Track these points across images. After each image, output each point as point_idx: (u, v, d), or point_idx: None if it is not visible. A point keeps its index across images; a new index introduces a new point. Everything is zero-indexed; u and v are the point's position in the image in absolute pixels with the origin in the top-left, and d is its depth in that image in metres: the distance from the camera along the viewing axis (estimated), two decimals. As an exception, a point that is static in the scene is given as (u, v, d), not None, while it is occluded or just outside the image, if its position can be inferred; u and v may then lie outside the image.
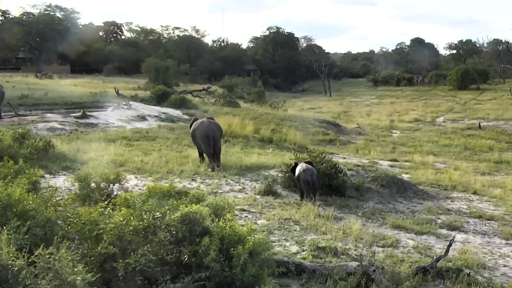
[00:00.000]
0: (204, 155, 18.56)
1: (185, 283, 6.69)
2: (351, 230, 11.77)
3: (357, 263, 8.94)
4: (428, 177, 19.45)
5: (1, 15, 64.96)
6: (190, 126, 19.46)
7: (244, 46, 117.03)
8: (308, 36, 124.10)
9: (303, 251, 10.17)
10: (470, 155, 29.28)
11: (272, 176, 16.35)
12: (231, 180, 16.07)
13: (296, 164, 15.09)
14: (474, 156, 28.86)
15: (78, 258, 6.13)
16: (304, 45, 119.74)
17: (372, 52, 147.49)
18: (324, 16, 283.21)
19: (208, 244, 7.20)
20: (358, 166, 18.40)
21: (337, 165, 16.17)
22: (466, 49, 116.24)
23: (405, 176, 19.07)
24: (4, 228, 6.23)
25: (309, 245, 10.36)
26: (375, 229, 12.52)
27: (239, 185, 15.58)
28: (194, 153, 19.48)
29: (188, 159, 18.54)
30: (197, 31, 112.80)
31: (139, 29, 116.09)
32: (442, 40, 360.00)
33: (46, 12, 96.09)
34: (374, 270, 8.67)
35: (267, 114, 38.08)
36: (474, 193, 17.81)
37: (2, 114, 26.31)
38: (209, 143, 17.96)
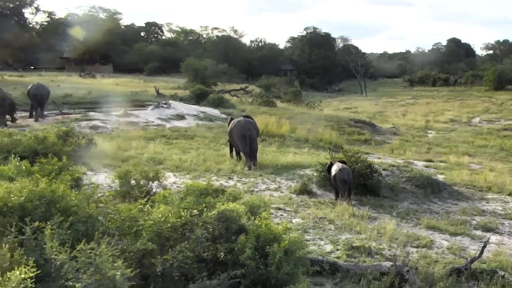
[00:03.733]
0: (241, 153, 18.58)
1: (221, 280, 6.72)
2: (386, 230, 11.67)
3: (391, 263, 8.86)
4: (463, 178, 19.14)
5: (48, 16, 65.94)
6: (228, 125, 19.53)
7: (281, 46, 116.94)
8: (344, 36, 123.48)
9: (337, 250, 10.12)
10: (506, 156, 28.75)
11: (307, 175, 16.30)
12: (267, 178, 16.06)
13: (331, 164, 15.02)
14: (510, 157, 28.32)
15: (118, 253, 6.21)
16: (341, 45, 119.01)
17: (408, 52, 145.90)
18: (360, 17, 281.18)
19: (244, 242, 7.22)
20: (393, 166, 18.22)
21: (372, 165, 16.05)
22: (503, 49, 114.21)
23: (440, 177, 18.80)
24: (48, 223, 6.34)
25: (344, 245, 10.31)
26: (409, 229, 12.39)
27: (275, 183, 15.57)
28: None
29: (225, 158, 18.61)
30: (235, 31, 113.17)
31: (179, 29, 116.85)
32: (479, 40, 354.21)
33: (90, 13, 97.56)
34: (408, 271, 8.59)
35: (303, 113, 37.94)
36: (510, 194, 17.44)
37: (47, 112, 26.76)
38: (246, 142, 17.99)
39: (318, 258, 8.99)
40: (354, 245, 10.28)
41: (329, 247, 10.29)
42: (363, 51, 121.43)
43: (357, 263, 9.31)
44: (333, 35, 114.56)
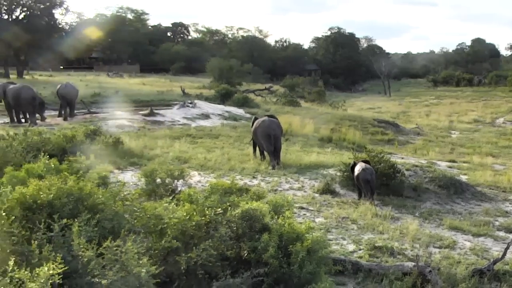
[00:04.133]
0: (265, 153, 18.57)
1: (244, 278, 6.74)
2: (408, 230, 11.57)
3: (413, 263, 8.80)
4: (486, 179, 18.88)
5: (77, 17, 66.67)
6: (252, 125, 19.54)
7: (305, 46, 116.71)
8: (368, 37, 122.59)
9: (360, 250, 10.07)
10: (530, 157, 28.31)
11: (330, 175, 16.23)
12: (291, 178, 16.03)
13: (355, 164, 14.96)
14: (535, 158, 27.90)
15: (143, 251, 6.26)
16: (365, 45, 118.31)
17: (432, 52, 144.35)
18: (385, 17, 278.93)
19: (267, 240, 7.24)
20: (416, 166, 18.05)
21: (395, 165, 15.92)
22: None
23: (463, 177, 18.58)
24: (76, 220, 6.40)
25: (366, 244, 10.25)
26: (432, 229, 12.27)
27: (299, 183, 15.53)
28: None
29: (250, 157, 18.59)
30: (260, 31, 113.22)
31: (205, 29, 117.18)
32: (503, 41, 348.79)
33: (118, 13, 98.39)
34: (430, 271, 8.52)
35: (327, 113, 37.80)
36: (534, 195, 17.21)
37: (75, 111, 27.01)
38: (271, 141, 17.93)
39: (340, 258, 8.96)
40: (376, 245, 10.21)
41: (351, 247, 10.25)
42: (387, 51, 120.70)
43: (380, 263, 9.25)
44: (357, 35, 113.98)
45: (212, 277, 6.82)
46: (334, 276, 7.97)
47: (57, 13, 60.65)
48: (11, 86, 24.50)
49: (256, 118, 19.83)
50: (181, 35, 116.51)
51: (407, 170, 16.87)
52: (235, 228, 7.52)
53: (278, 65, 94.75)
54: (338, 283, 8.23)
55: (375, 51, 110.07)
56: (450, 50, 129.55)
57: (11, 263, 5.32)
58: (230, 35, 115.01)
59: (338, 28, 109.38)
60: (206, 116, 30.35)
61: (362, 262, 9.08)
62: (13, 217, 6.40)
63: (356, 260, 9.12)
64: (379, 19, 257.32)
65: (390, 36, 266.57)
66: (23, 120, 23.89)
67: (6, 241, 6.06)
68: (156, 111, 28.93)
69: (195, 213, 7.37)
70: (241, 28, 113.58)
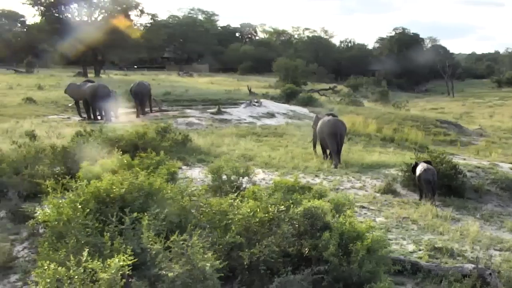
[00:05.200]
0: (327, 151, 18.47)
1: (305, 275, 6.73)
2: (469, 232, 11.27)
3: (473, 265, 8.57)
4: (550, 181, 18.21)
5: (151, 18, 67.95)
6: (315, 123, 19.46)
7: (370, 47, 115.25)
8: (433, 37, 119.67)
9: (420, 250, 9.87)
10: None
11: (392, 175, 16.00)
12: (353, 177, 15.86)
13: (416, 164, 14.70)
14: None
15: (208, 245, 6.34)
16: (429, 45, 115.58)
17: (497, 53, 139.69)
18: (450, 17, 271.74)
19: (328, 238, 7.21)
20: (478, 167, 17.59)
21: (457, 166, 15.58)
22: None
23: (527, 180, 17.98)
24: (145, 214, 6.54)
25: (426, 245, 10.03)
26: (493, 232, 11.93)
27: (360, 182, 15.35)
28: (318, 149, 19.37)
29: (313, 156, 18.51)
30: (325, 31, 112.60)
31: (272, 30, 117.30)
32: None
33: (190, 15, 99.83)
34: (490, 274, 8.28)
35: (389, 113, 37.21)
36: None
37: (146, 109, 27.50)
38: (337, 141, 17.80)
39: (400, 258, 8.81)
40: (436, 246, 9.98)
41: (411, 247, 10.06)
42: (451, 51, 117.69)
43: (439, 264, 9.03)
44: (421, 36, 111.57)
45: (274, 273, 6.84)
46: (393, 276, 7.84)
47: (133, 14, 62.05)
48: (89, 84, 25.17)
49: (317, 117, 19.69)
50: (249, 36, 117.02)
51: (469, 171, 16.48)
52: (297, 225, 7.52)
53: (343, 65, 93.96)
54: (397, 283, 8.09)
55: (439, 51, 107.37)
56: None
57: (85, 253, 5.49)
58: (296, 36, 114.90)
59: (403, 28, 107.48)
60: (271, 115, 30.35)
61: (421, 263, 8.89)
62: (88, 210, 6.60)
63: (415, 261, 8.94)
64: (444, 20, 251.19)
65: (455, 36, 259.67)
66: (99, 117, 24.49)
67: (81, 233, 6.26)
68: (223, 110, 29.14)
69: (258, 209, 7.41)
70: (307, 29, 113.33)
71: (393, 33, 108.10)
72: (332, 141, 17.77)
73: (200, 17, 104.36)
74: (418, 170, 14.21)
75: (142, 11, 62.46)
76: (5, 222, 9.19)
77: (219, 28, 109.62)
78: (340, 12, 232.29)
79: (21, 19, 77.35)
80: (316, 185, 12.72)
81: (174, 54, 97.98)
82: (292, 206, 7.59)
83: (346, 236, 7.35)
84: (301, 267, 7.02)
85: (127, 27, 58.97)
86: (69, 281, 5.26)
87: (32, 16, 65.86)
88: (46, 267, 5.37)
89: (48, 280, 5.26)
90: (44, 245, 6.34)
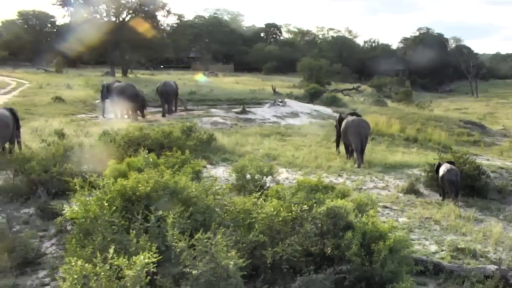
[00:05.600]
0: (350, 150, 18.46)
1: (327, 274, 6.71)
2: (492, 233, 11.13)
3: (495, 266, 8.48)
4: None
5: (177, 19, 68.24)
6: (338, 123, 19.43)
7: (394, 47, 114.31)
8: (457, 37, 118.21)
9: (442, 251, 9.78)
10: None
11: (415, 175, 15.88)
12: (376, 177, 15.77)
13: (440, 164, 14.57)
14: None
15: (232, 244, 6.36)
16: (453, 45, 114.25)
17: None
18: (474, 17, 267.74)
19: (351, 238, 7.18)
20: (502, 168, 17.38)
21: (480, 166, 15.39)
22: None
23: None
24: (170, 212, 6.58)
25: (448, 246, 9.94)
26: (517, 233, 11.77)
27: (383, 182, 15.26)
28: (341, 149, 19.29)
29: (336, 155, 18.44)
30: (350, 32, 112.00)
31: (296, 30, 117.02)
32: None
33: (215, 15, 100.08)
34: (513, 275, 8.19)
35: (413, 113, 36.93)
36: None
37: (173, 108, 27.65)
38: (361, 140, 17.81)
39: (422, 258, 8.74)
40: (459, 246, 9.88)
41: (433, 248, 9.96)
42: (475, 51, 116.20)
43: (461, 265, 8.94)
44: (446, 36, 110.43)
45: (296, 272, 6.84)
46: (415, 276, 7.78)
47: (160, 15, 62.37)
48: (116, 84, 25.38)
49: (341, 117, 19.62)
50: (274, 36, 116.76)
51: (492, 172, 16.30)
52: (319, 224, 7.51)
53: (367, 65, 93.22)
54: (419, 283, 8.03)
55: (463, 51, 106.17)
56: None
57: (111, 250, 5.55)
58: (320, 36, 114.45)
59: (427, 28, 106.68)
60: (295, 115, 30.30)
61: (443, 263, 8.81)
62: (114, 208, 6.66)
63: (438, 261, 8.86)
64: (468, 20, 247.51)
65: (479, 36, 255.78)
66: (126, 116, 24.66)
67: (108, 230, 6.32)
68: (248, 109, 29.15)
69: (282, 209, 7.42)
70: (331, 29, 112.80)
71: (417, 33, 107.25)
72: (356, 140, 17.75)
73: (226, 17, 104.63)
74: (441, 171, 14.08)
75: (169, 12, 62.66)
76: (34, 219, 9.32)
77: (244, 28, 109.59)
78: (364, 12, 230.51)
79: (51, 20, 78.22)
80: (339, 184, 12.66)
81: (200, 54, 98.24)
82: (315, 205, 7.58)
83: (369, 236, 7.32)
84: (323, 266, 7.01)
85: (154, 27, 59.36)
86: (95, 277, 5.32)
87: (62, 16, 66.56)
88: (73, 263, 5.44)
89: (75, 276, 5.33)
90: (72, 242, 6.42)
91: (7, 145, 14.01)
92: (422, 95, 68.64)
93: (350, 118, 18.74)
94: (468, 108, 56.07)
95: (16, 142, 14.84)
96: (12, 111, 15.37)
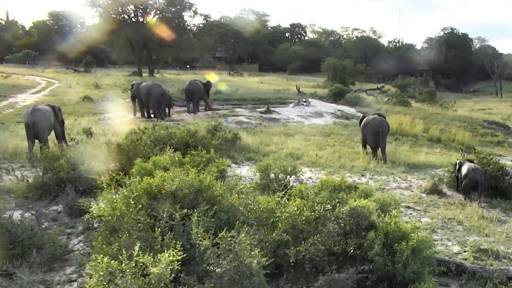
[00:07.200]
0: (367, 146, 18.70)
1: (349, 274, 6.67)
2: (516, 234, 10.98)
3: (519, 268, 8.35)
4: None
5: (204, 19, 68.48)
6: (360, 122, 19.56)
7: (418, 47, 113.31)
8: (482, 37, 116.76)
9: (465, 251, 9.64)
10: None
11: (438, 175, 15.72)
12: (399, 177, 15.64)
13: (461, 163, 14.42)
14: None
15: (255, 243, 6.35)
16: (478, 46, 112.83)
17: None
18: (499, 17, 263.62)
19: (373, 238, 7.14)
20: (526, 169, 17.10)
21: (504, 167, 15.14)
22: None
23: None
24: (195, 210, 6.60)
25: (471, 246, 9.79)
26: (541, 234, 11.55)
27: (406, 182, 15.13)
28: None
29: (359, 155, 18.31)
30: (374, 32, 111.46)
31: (321, 30, 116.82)
32: None
33: (241, 15, 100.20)
34: (537, 277, 8.04)
35: (437, 114, 36.60)
36: None
37: (200, 107, 27.77)
38: (378, 138, 17.99)
39: (444, 259, 8.62)
40: (481, 247, 9.73)
41: (456, 248, 9.83)
42: (500, 51, 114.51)
43: (484, 266, 8.80)
44: (470, 36, 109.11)
45: (319, 271, 6.80)
46: (437, 277, 7.70)
47: (186, 15, 62.66)
48: (144, 83, 25.53)
49: (364, 116, 19.75)
50: (299, 36, 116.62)
51: (516, 173, 15.99)
52: (342, 224, 7.47)
53: (391, 65, 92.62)
54: (441, 283, 7.94)
55: (488, 51, 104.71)
56: None
57: (136, 248, 5.58)
58: (345, 36, 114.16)
59: (452, 28, 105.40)
60: (319, 115, 30.17)
61: (466, 264, 8.68)
62: (140, 206, 6.71)
63: (460, 262, 8.74)
64: (493, 20, 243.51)
65: (504, 36, 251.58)
66: (152, 116, 24.79)
67: (133, 228, 6.36)
68: (272, 109, 29.10)
69: (305, 208, 7.39)
70: (356, 29, 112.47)
71: (441, 33, 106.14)
72: (373, 138, 18.11)
73: (251, 17, 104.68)
74: (465, 169, 13.92)
75: (195, 12, 62.92)
76: (62, 216, 9.40)
77: (270, 28, 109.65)
78: (389, 12, 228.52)
79: (80, 20, 79.12)
80: (362, 184, 12.60)
81: (225, 54, 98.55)
82: (338, 205, 7.53)
83: (391, 236, 7.25)
84: (345, 266, 6.96)
85: (180, 27, 59.67)
86: (121, 274, 5.35)
87: (91, 17, 67.21)
88: (100, 260, 5.48)
89: (101, 273, 5.37)
90: (98, 239, 6.48)
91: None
92: (446, 95, 67.91)
93: (370, 116, 19.14)
94: (492, 109, 55.36)
95: (59, 137, 15.75)
96: (54, 108, 15.94)
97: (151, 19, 59.44)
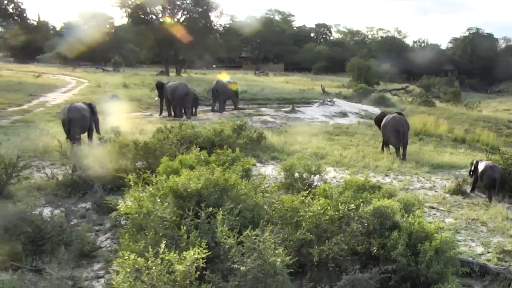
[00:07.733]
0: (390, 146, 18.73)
1: (373, 274, 6.63)
2: (540, 235, 10.79)
3: (544, 270, 8.21)
4: None
5: (230, 19, 68.77)
6: (378, 120, 19.82)
7: (443, 47, 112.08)
8: (507, 37, 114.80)
9: (488, 253, 9.51)
10: None
11: (462, 176, 15.53)
12: (423, 177, 15.49)
13: (477, 162, 14.27)
14: None
15: (279, 241, 6.36)
16: (503, 46, 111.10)
17: None
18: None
19: (397, 238, 7.09)
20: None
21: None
22: None
23: None
24: (220, 209, 6.62)
25: (495, 248, 9.66)
26: None
27: (430, 182, 14.96)
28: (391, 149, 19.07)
29: (383, 155, 18.20)
30: (399, 32, 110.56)
31: (346, 30, 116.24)
32: None
33: (267, 15, 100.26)
34: (562, 279, 7.90)
35: (461, 114, 36.20)
36: None
37: (226, 107, 27.88)
38: (399, 137, 17.93)
39: (468, 260, 8.52)
40: (505, 248, 9.58)
41: (480, 249, 9.70)
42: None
43: (508, 267, 8.68)
44: (496, 36, 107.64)
45: (342, 271, 6.77)
46: (461, 278, 7.61)
47: (213, 15, 62.95)
48: (170, 83, 25.67)
49: (381, 114, 19.72)
50: (324, 36, 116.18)
51: (542, 174, 15.71)
52: (366, 224, 7.43)
53: (415, 65, 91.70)
54: (464, 284, 7.85)
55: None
56: None
57: (162, 245, 5.62)
58: (370, 36, 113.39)
59: (477, 28, 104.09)
60: (343, 114, 30.06)
61: (490, 265, 8.57)
62: (166, 204, 6.75)
63: (484, 263, 8.63)
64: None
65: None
66: (178, 115, 24.88)
67: (160, 226, 6.41)
68: (297, 108, 29.10)
69: (329, 207, 7.37)
70: (381, 29, 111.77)
71: (466, 33, 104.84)
72: (394, 137, 18.12)
73: (277, 17, 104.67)
74: (482, 167, 13.78)
75: (222, 12, 63.22)
76: (91, 213, 9.51)
77: (295, 28, 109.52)
78: (414, 12, 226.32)
79: (109, 21, 79.85)
80: (386, 184, 12.52)
81: (251, 54, 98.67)
82: (362, 205, 7.50)
83: (415, 236, 7.19)
84: (369, 265, 6.92)
85: (207, 28, 59.92)
86: (147, 271, 5.39)
87: (120, 17, 67.75)
88: (127, 257, 5.52)
89: (128, 270, 5.41)
90: (125, 236, 6.53)
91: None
92: (471, 95, 66.97)
93: (390, 115, 19.11)
94: (517, 109, 54.50)
95: (92, 133, 16.33)
96: (90, 106, 16.41)
97: (178, 19, 59.79)
